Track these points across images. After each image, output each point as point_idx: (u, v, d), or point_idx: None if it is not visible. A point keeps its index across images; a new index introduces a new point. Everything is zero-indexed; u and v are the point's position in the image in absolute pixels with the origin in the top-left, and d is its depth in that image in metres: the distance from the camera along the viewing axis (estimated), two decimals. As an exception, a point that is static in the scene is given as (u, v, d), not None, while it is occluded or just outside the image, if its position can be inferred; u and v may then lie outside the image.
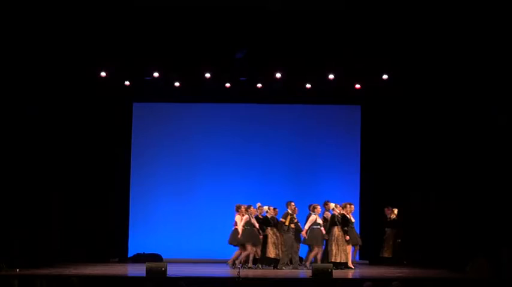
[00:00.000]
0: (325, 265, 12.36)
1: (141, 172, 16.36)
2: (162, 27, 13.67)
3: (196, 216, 16.20)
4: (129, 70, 14.88)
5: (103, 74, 14.81)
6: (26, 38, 13.46)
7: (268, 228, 13.93)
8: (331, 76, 14.91)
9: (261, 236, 13.82)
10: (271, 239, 13.85)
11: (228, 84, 15.48)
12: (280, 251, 13.84)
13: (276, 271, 13.57)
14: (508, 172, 13.55)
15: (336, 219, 13.83)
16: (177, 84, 15.44)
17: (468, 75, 14.08)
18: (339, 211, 13.93)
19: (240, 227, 13.77)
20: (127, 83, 15.29)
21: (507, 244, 12.80)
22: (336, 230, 13.75)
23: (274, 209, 14.18)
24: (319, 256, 13.76)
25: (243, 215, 13.88)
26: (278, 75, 14.91)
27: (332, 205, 14.10)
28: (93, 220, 15.66)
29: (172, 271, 11.78)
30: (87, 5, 13.11)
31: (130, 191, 16.33)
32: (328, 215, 14.09)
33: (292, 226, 13.78)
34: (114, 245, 15.97)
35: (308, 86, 15.44)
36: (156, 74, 14.99)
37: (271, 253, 13.83)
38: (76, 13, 13.20)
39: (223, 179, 16.34)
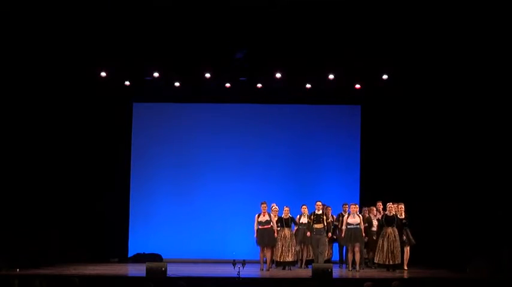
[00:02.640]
0: (325, 265, 12.36)
1: (141, 172, 16.35)
2: (162, 27, 13.66)
3: (196, 216, 16.19)
4: (129, 70, 14.88)
5: (103, 74, 14.81)
6: (26, 38, 13.47)
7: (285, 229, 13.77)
8: (331, 76, 14.90)
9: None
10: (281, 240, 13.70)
11: (228, 84, 15.47)
12: (290, 253, 13.64)
13: (276, 271, 13.55)
14: (508, 173, 13.57)
15: (384, 219, 13.59)
16: (177, 84, 15.44)
17: (468, 75, 14.10)
18: (389, 211, 13.61)
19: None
20: (127, 83, 15.29)
21: (507, 244, 12.81)
22: (388, 231, 13.49)
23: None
24: (356, 257, 13.51)
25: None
26: (278, 75, 14.91)
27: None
28: (93, 220, 15.66)
29: (172, 271, 11.79)
30: (87, 5, 13.11)
31: (131, 191, 16.32)
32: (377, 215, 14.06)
33: (318, 226, 13.62)
34: (114, 245, 15.96)
35: (308, 86, 15.44)
36: (156, 74, 14.99)
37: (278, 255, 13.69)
38: (76, 13, 13.20)
39: (223, 179, 16.32)
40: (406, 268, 13.54)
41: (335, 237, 14.18)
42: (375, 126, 16.19)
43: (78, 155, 15.62)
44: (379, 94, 15.69)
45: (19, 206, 14.07)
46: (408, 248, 13.60)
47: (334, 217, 14.37)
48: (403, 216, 13.60)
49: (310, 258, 13.99)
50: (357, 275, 12.89)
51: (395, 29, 13.61)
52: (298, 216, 13.96)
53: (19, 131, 14.26)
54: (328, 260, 13.86)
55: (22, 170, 14.31)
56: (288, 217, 13.75)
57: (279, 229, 13.67)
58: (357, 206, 13.86)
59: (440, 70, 14.45)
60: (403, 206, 13.65)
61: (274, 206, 13.81)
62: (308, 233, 13.64)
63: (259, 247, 13.61)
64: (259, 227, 13.49)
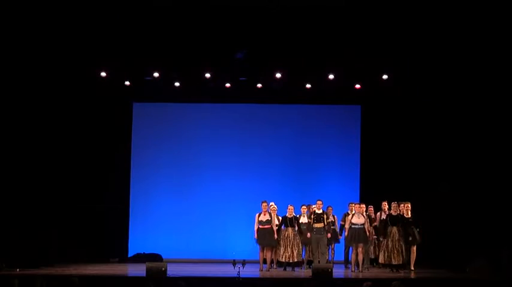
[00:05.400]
0: (325, 265, 12.35)
1: (141, 172, 16.35)
2: (162, 27, 13.67)
3: (196, 216, 16.19)
4: (129, 70, 14.89)
5: (103, 74, 14.82)
6: (26, 38, 13.47)
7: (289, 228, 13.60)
8: (331, 76, 14.91)
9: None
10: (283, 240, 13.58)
11: (228, 84, 15.48)
12: (292, 253, 13.50)
13: (276, 271, 13.53)
14: (508, 173, 13.58)
15: (389, 219, 13.43)
16: (177, 84, 15.44)
17: (468, 74, 14.11)
18: (393, 211, 13.47)
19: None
20: (127, 83, 15.29)
21: (507, 244, 12.81)
22: (393, 230, 13.32)
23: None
24: (359, 257, 13.33)
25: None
26: (278, 75, 14.91)
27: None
28: (93, 219, 15.66)
29: (172, 271, 11.79)
30: (87, 5, 13.11)
31: (131, 191, 16.32)
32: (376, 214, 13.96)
33: (318, 225, 13.50)
34: (114, 245, 15.96)
35: (308, 86, 15.44)
36: (156, 74, 14.99)
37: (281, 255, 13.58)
38: (76, 13, 13.20)
39: (223, 178, 16.32)
40: (412, 268, 13.44)
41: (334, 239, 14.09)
42: (375, 126, 16.20)
43: (78, 155, 15.61)
44: (379, 94, 15.69)
45: (19, 206, 14.05)
46: (415, 248, 13.49)
47: (336, 217, 14.34)
48: (409, 215, 13.48)
49: (311, 258, 13.92)
50: (358, 275, 12.88)
51: (395, 29, 13.62)
52: (297, 216, 13.90)
53: (19, 131, 14.25)
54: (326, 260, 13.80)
55: (22, 170, 14.30)
56: (292, 216, 13.57)
57: (283, 228, 13.55)
58: (363, 206, 13.74)
59: (440, 70, 14.46)
60: (409, 205, 13.49)
61: (273, 205, 13.74)
62: (308, 235, 13.54)
63: (259, 246, 13.56)
64: (260, 226, 13.41)
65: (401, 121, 15.80)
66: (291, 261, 13.46)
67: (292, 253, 13.43)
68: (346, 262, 14.27)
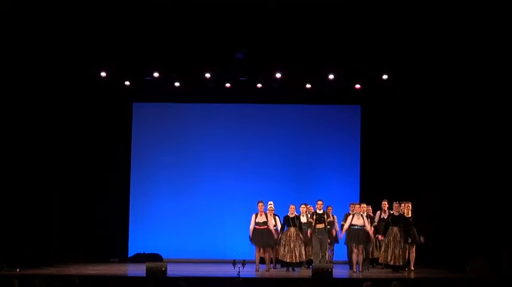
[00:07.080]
0: (325, 265, 12.34)
1: (141, 172, 16.36)
2: (162, 27, 13.67)
3: (196, 216, 16.20)
4: (129, 70, 14.89)
5: (103, 74, 14.82)
6: (26, 38, 13.47)
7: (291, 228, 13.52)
8: (331, 76, 14.91)
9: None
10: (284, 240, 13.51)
11: (228, 84, 15.48)
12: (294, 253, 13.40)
13: (276, 271, 13.53)
14: (508, 172, 13.57)
15: (390, 219, 13.41)
16: (177, 84, 15.45)
17: (468, 75, 14.10)
18: (395, 210, 13.44)
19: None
20: (127, 83, 15.30)
21: (507, 243, 12.81)
22: (394, 230, 13.31)
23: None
24: (359, 258, 13.26)
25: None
26: (278, 75, 14.92)
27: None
28: (93, 220, 15.67)
29: (172, 271, 11.79)
30: (87, 5, 13.11)
31: (131, 191, 16.33)
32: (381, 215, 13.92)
33: (320, 226, 13.45)
34: (114, 245, 15.97)
35: (308, 86, 15.45)
36: (156, 74, 14.99)
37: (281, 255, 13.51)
38: (76, 13, 13.20)
39: (223, 178, 16.33)
40: (412, 268, 13.40)
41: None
42: (375, 126, 16.20)
43: (78, 155, 15.61)
44: (379, 94, 15.70)
45: (19, 206, 14.05)
46: (414, 248, 13.47)
47: (335, 216, 14.32)
48: (410, 215, 13.43)
49: (310, 258, 13.90)
50: (358, 275, 12.87)
51: (395, 29, 13.62)
52: (298, 215, 13.87)
53: (20, 131, 14.24)
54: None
55: (22, 170, 14.29)
56: (293, 215, 13.48)
57: (285, 228, 13.48)
58: (363, 206, 13.72)
59: (440, 70, 14.46)
60: (410, 205, 13.45)
61: (271, 205, 13.67)
62: (309, 232, 13.45)
63: (255, 246, 13.47)
64: (256, 227, 13.37)
65: (401, 121, 15.80)
66: (294, 261, 13.42)
67: (294, 252, 13.41)
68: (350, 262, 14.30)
